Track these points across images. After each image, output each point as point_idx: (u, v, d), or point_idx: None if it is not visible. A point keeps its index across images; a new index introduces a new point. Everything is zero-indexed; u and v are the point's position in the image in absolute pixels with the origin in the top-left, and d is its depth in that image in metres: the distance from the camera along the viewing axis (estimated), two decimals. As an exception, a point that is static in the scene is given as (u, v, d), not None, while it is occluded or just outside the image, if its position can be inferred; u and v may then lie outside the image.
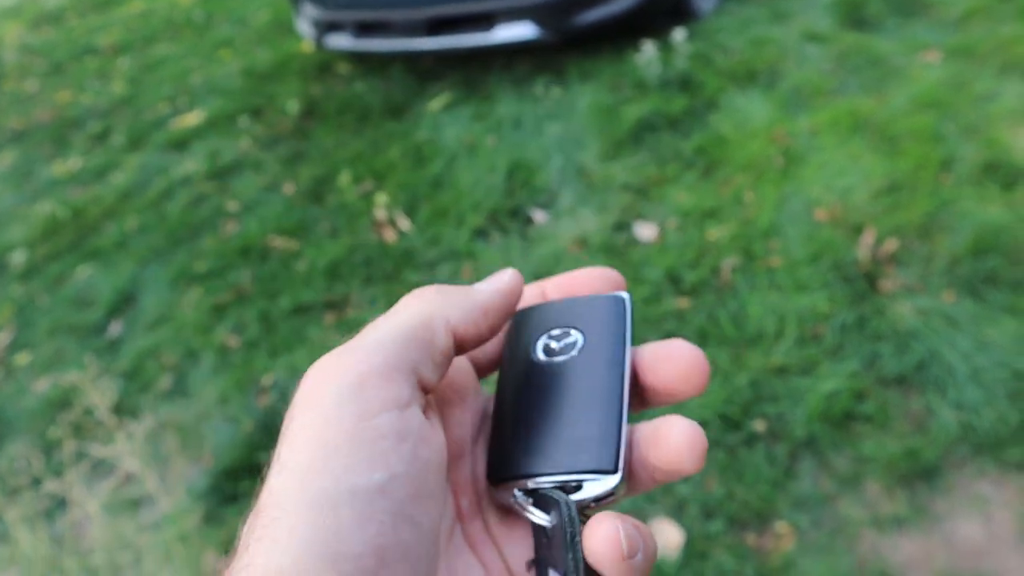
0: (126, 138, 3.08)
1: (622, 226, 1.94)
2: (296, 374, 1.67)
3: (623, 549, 0.26)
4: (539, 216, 2.06)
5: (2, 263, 2.48)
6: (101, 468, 1.60)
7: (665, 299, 1.68)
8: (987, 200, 1.73)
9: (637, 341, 0.33)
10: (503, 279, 0.34)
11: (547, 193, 2.14)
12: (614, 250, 1.86)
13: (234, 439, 1.61)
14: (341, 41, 2.83)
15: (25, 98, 3.79)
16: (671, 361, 0.32)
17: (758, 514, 1.26)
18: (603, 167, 2.18)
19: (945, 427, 1.31)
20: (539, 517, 0.29)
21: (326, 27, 2.83)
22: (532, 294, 0.37)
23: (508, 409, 0.33)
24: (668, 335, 1.55)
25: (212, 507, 1.47)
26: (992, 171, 1.81)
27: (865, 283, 1.60)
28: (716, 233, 1.82)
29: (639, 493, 0.32)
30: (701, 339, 1.57)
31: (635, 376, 0.32)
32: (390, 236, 2.12)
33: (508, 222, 2.06)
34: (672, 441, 0.29)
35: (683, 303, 1.66)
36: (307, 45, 3.36)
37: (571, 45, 2.75)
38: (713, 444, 1.37)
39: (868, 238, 1.69)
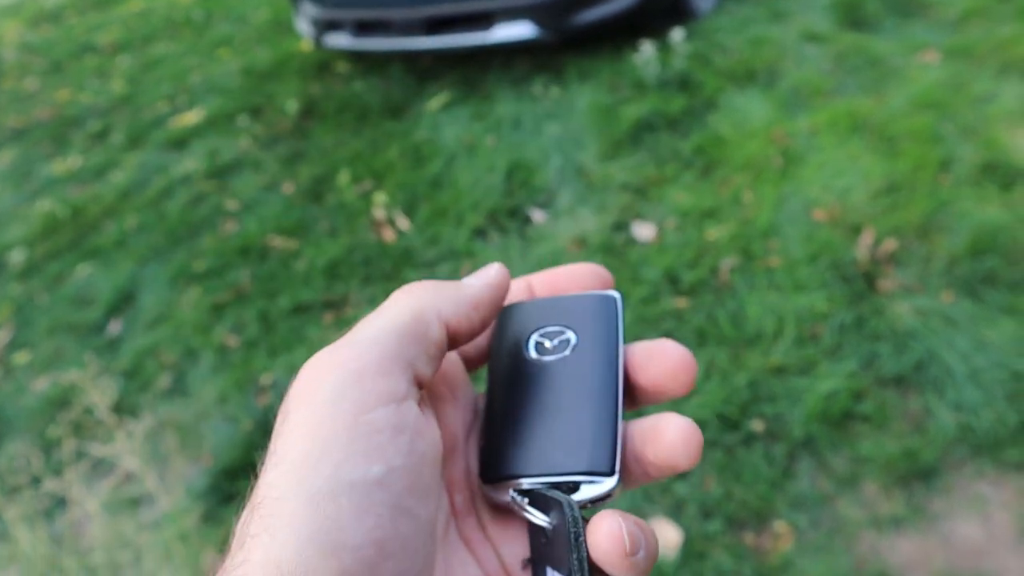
0: (125, 137, 3.07)
1: (621, 226, 1.94)
2: (295, 373, 1.66)
3: (626, 546, 0.26)
4: (538, 216, 2.06)
5: (1, 262, 2.47)
6: (101, 467, 1.60)
7: (663, 299, 1.68)
8: (985, 200, 1.74)
9: (634, 340, 0.34)
10: (490, 273, 0.34)
11: (546, 193, 2.14)
12: (613, 250, 1.86)
13: (233, 438, 1.61)
14: (340, 40, 2.83)
15: (24, 96, 3.79)
16: (659, 360, 0.32)
17: (756, 514, 1.26)
18: (602, 167, 2.18)
19: (943, 427, 1.31)
20: (538, 517, 0.29)
21: (325, 26, 2.84)
22: (518, 288, 0.37)
23: (501, 407, 0.33)
24: (666, 335, 1.54)
25: (211, 506, 1.47)
26: (991, 171, 1.81)
27: (864, 283, 1.60)
28: (715, 233, 1.82)
29: (632, 488, 0.32)
30: (699, 339, 1.57)
31: (626, 375, 0.33)
32: (389, 236, 2.12)
33: (507, 222, 2.06)
34: (668, 437, 0.30)
35: (682, 303, 1.66)
36: (306, 44, 3.36)
37: (570, 45, 2.75)
38: (711, 444, 1.37)
39: (867, 238, 1.69)
